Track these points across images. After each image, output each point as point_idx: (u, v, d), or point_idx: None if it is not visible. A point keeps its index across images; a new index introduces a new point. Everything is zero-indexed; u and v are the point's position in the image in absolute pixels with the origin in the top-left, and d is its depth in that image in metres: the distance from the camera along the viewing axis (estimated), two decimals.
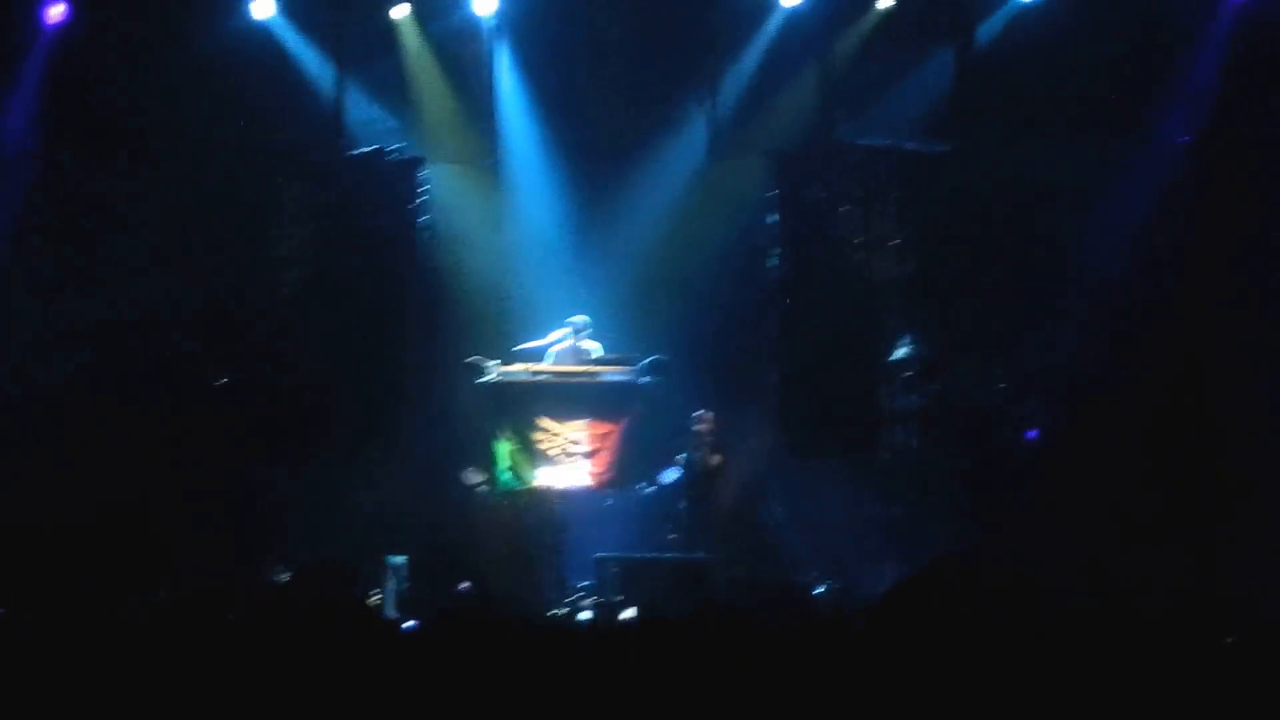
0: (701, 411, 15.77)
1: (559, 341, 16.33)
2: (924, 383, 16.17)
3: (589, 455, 16.02)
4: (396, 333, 16.74)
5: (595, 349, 16.39)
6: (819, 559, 15.09)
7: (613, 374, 16.11)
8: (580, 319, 16.42)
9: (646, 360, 16.08)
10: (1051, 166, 16.30)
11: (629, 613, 14.40)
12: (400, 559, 14.18)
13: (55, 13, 16.46)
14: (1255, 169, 16.02)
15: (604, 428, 16.03)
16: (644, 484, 15.92)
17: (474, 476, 15.74)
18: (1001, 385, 16.06)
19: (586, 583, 14.69)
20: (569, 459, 15.98)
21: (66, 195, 16.28)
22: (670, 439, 15.90)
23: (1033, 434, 15.89)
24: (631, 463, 16.00)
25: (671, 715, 7.29)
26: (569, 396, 16.07)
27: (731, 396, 16.49)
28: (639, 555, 14.96)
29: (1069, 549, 14.37)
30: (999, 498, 15.30)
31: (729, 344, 17.18)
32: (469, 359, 16.05)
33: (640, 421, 15.98)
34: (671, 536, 15.54)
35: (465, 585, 13.83)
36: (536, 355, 16.31)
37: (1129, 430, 15.44)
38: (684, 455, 15.68)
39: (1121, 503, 15.08)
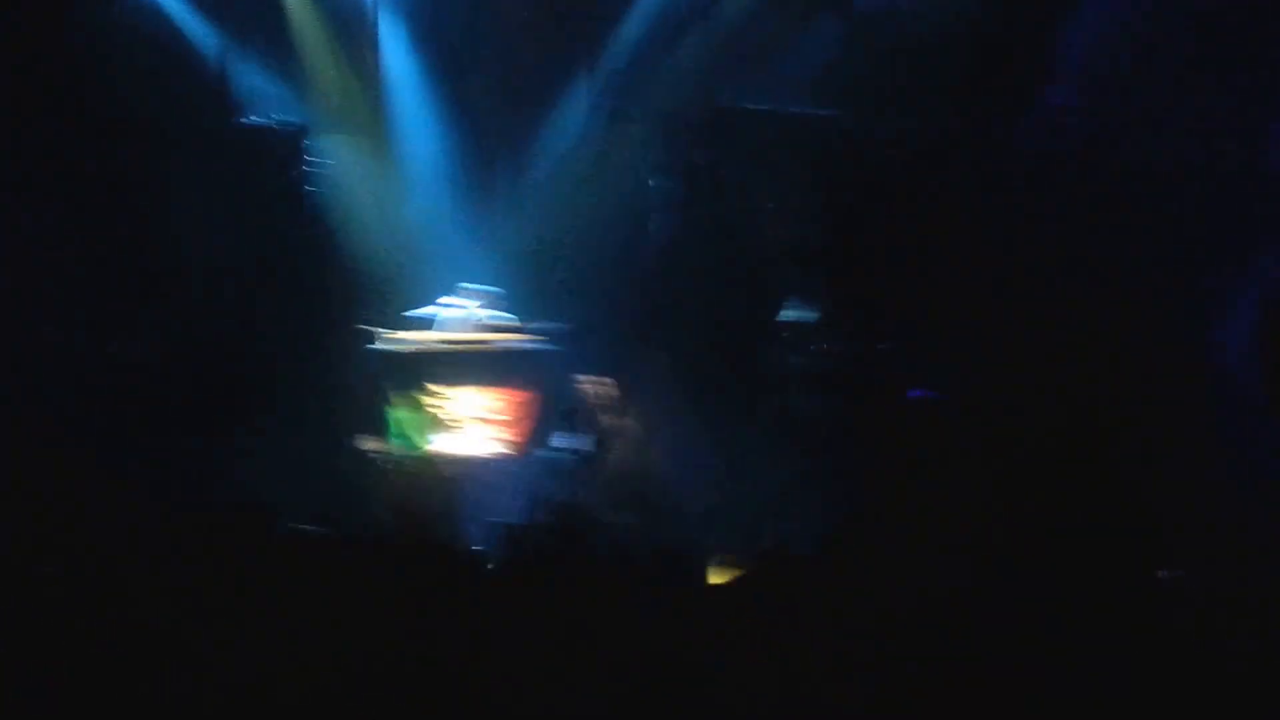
0: (590, 376, 15.85)
1: (450, 308, 16.43)
2: (809, 344, 16.32)
3: (484, 422, 16.11)
4: (288, 302, 16.72)
5: (489, 316, 16.47)
6: (711, 522, 15.18)
7: (505, 341, 16.22)
8: (471, 286, 16.51)
9: (543, 327, 16.23)
10: (936, 132, 16.50)
11: None
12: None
13: None
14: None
15: (500, 394, 16.13)
16: (541, 450, 15.96)
17: (368, 443, 15.78)
18: (884, 344, 16.21)
19: (482, 548, 14.71)
20: (463, 426, 16.07)
21: None
22: (565, 405, 15.95)
23: (917, 392, 16.03)
24: (528, 429, 16.10)
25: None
26: (461, 363, 16.11)
27: (625, 362, 16.57)
28: (532, 521, 14.99)
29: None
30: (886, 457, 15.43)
31: (622, 310, 17.25)
32: (359, 326, 16.13)
33: (534, 388, 16.09)
34: (565, 501, 15.61)
35: None
36: (427, 322, 16.41)
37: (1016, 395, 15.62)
38: (578, 420, 15.76)
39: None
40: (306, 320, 16.74)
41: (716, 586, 9.83)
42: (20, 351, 15.71)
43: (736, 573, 10.16)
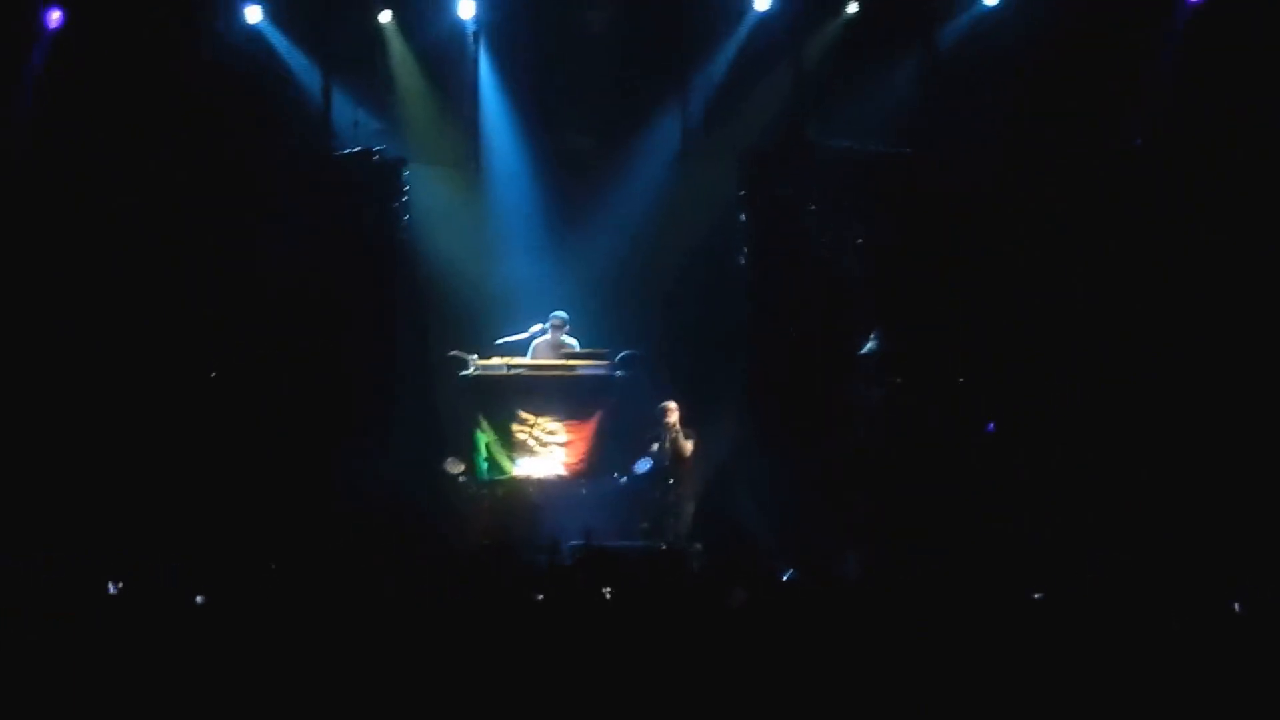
0: (667, 402, 16.35)
1: (539, 335, 16.99)
2: (886, 377, 16.67)
3: (565, 446, 16.72)
4: (380, 329, 17.21)
5: (573, 344, 17.05)
6: (786, 546, 15.50)
7: (588, 368, 16.79)
8: (559, 315, 17.08)
9: (620, 355, 16.78)
10: (1010, 169, 16.87)
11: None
12: None
13: (54, 18, 16.96)
14: (1208, 172, 16.55)
15: (579, 420, 16.74)
16: (618, 474, 16.52)
17: (455, 467, 16.34)
18: (960, 379, 16.56)
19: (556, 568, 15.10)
20: (545, 450, 16.67)
21: (60, 197, 16.65)
22: (643, 430, 16.48)
23: (991, 427, 16.40)
24: (606, 454, 16.71)
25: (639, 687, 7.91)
26: (546, 389, 16.77)
27: (703, 390, 17.07)
28: (611, 544, 15.36)
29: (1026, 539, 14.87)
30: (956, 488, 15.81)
31: (701, 339, 17.82)
32: (451, 353, 16.73)
33: (614, 414, 16.68)
34: (643, 525, 16.08)
35: None
36: (518, 349, 16.97)
37: (1074, 427, 16.05)
38: (656, 445, 16.24)
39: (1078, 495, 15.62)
40: (400, 346, 17.32)
41: (778, 612, 10.14)
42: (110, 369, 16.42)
43: (799, 598, 10.56)
